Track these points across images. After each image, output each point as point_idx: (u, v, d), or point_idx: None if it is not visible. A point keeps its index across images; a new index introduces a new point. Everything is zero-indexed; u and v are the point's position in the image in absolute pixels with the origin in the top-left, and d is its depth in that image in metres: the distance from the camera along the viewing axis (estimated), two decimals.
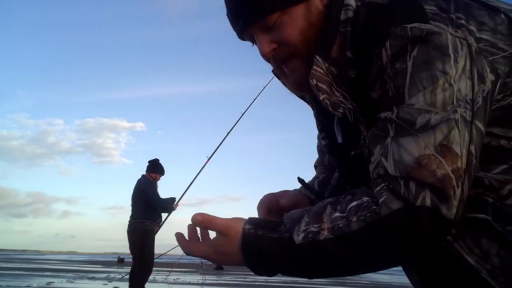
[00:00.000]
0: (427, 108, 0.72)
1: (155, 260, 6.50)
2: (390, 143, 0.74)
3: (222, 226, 0.80)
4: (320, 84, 0.85)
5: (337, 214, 0.75)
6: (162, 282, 12.17)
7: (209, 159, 7.31)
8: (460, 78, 0.73)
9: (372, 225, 0.71)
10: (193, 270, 20.84)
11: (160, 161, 6.69)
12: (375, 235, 0.72)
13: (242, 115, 7.37)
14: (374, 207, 0.72)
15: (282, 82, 1.01)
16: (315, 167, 1.19)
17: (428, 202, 0.70)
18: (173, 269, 15.35)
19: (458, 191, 0.71)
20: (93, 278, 12.99)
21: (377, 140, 0.78)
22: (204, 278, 13.69)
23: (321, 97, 0.86)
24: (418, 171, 0.70)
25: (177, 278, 13.97)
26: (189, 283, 12.45)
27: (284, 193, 1.09)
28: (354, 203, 0.75)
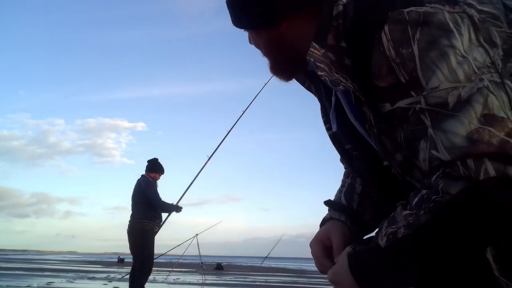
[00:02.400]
0: (452, 85, 0.71)
1: (155, 260, 6.50)
2: (433, 133, 0.72)
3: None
4: (318, 63, 0.87)
5: (407, 212, 0.76)
6: (162, 282, 12.16)
7: (209, 159, 7.32)
8: (471, 48, 0.73)
9: (438, 214, 0.71)
10: (193, 270, 20.84)
11: (159, 161, 6.68)
12: (446, 223, 0.71)
13: (243, 113, 7.37)
14: (434, 196, 0.71)
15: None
16: (342, 163, 1.20)
17: (492, 172, 0.67)
18: (173, 269, 15.36)
19: None
20: (93, 278, 12.99)
21: (416, 136, 0.75)
22: (204, 278, 13.70)
23: (319, 73, 0.88)
24: (473, 148, 0.68)
25: (177, 278, 13.95)
26: (189, 283, 12.44)
27: (327, 232, 1.05)
28: (417, 198, 0.75)
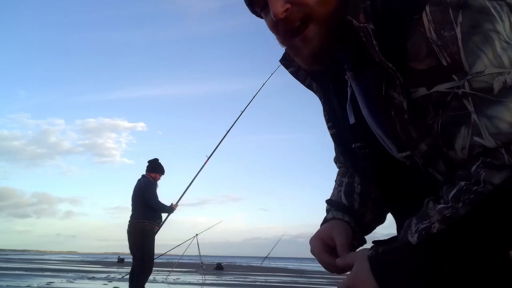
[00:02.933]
0: (498, 70, 0.69)
1: (155, 260, 6.50)
2: (477, 119, 0.69)
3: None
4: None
5: (441, 205, 0.72)
6: (162, 282, 12.17)
7: (208, 158, 7.32)
8: None
9: (480, 206, 0.68)
10: (193, 270, 20.84)
11: (159, 161, 6.68)
12: (488, 215, 0.68)
13: (241, 113, 7.39)
14: (475, 187, 0.68)
15: (290, 70, 0.99)
16: (335, 162, 1.18)
17: None
18: (173, 269, 15.36)
19: None
20: (93, 278, 12.99)
21: (457, 122, 0.72)
22: (204, 278, 13.70)
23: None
24: None
25: (177, 278, 13.96)
26: (189, 283, 12.44)
27: (329, 231, 1.02)
28: (454, 191, 0.71)
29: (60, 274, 14.95)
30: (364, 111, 0.90)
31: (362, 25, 0.78)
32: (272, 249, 27.74)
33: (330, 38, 0.82)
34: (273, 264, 38.37)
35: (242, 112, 7.39)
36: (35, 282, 10.47)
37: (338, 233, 0.99)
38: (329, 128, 1.04)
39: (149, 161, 6.68)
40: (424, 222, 0.74)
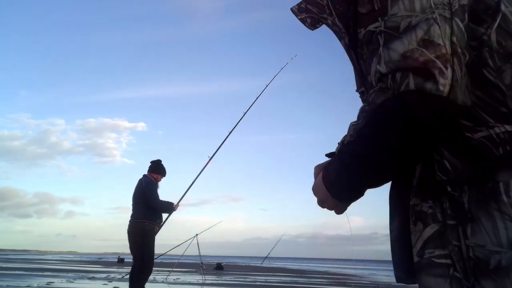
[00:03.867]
0: (408, 13, 0.81)
1: (155, 260, 6.49)
2: (382, 50, 0.82)
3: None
4: (308, 5, 1.06)
5: (354, 122, 1.03)
6: (162, 282, 12.16)
7: (210, 159, 7.31)
8: None
9: (368, 121, 0.85)
10: (193, 270, 20.83)
11: (162, 162, 6.68)
12: (374, 128, 0.83)
13: (244, 114, 7.37)
14: (367, 107, 0.89)
15: (299, 18, 1.12)
16: None
17: (411, 85, 0.76)
18: (173, 269, 15.36)
19: (448, 72, 0.76)
20: (93, 278, 12.98)
21: (372, 54, 0.85)
22: (204, 278, 13.70)
23: (305, 16, 1.08)
24: (403, 62, 0.78)
25: (177, 278, 13.94)
26: (189, 283, 12.43)
27: None
28: (359, 111, 0.96)
29: (60, 274, 14.94)
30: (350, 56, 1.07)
31: None
32: (272, 249, 27.77)
33: None
34: (273, 264, 38.35)
35: (245, 113, 7.38)
36: (35, 282, 10.47)
37: None
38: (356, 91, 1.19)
39: (151, 162, 6.68)
40: (346, 135, 1.06)
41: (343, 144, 1.07)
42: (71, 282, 11.21)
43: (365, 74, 0.96)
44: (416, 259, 0.88)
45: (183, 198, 6.92)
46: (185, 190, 7.11)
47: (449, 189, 0.84)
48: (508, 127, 0.80)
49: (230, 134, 7.35)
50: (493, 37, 0.83)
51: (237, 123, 7.39)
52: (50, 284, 10.03)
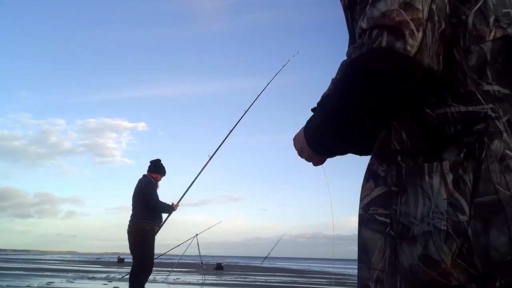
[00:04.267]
0: None
1: (155, 260, 6.50)
2: (368, 8, 0.86)
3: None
4: None
5: (335, 77, 1.05)
6: (162, 282, 12.17)
7: (210, 158, 7.30)
8: None
9: (342, 75, 0.95)
10: (193, 270, 20.84)
11: (161, 162, 6.68)
12: (347, 82, 0.90)
13: (245, 113, 7.36)
14: (345, 62, 0.95)
15: None
16: None
17: (383, 43, 0.81)
18: (173, 269, 15.37)
19: (419, 35, 0.80)
20: (93, 278, 12.99)
21: (361, 13, 0.88)
22: (204, 278, 13.70)
23: None
24: (381, 20, 0.82)
25: (177, 278, 13.96)
26: (189, 283, 12.44)
27: None
28: (340, 66, 1.00)
29: (60, 274, 14.95)
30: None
31: None
32: (272, 249, 27.78)
33: None
34: (273, 264, 38.38)
35: (246, 111, 7.36)
36: (35, 282, 10.47)
37: None
38: None
39: (151, 161, 6.68)
40: (327, 89, 1.10)
41: (322, 97, 1.11)
42: (71, 282, 11.22)
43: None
44: (360, 212, 0.96)
45: (183, 198, 6.93)
46: (185, 190, 7.12)
47: (399, 158, 0.90)
48: (462, 108, 0.84)
49: (231, 134, 7.36)
50: (471, 18, 0.86)
51: (238, 122, 7.39)
52: (50, 284, 10.04)
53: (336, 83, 0.96)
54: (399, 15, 0.81)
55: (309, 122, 1.03)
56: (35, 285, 9.62)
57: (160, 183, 6.58)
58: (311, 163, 1.13)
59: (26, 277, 12.11)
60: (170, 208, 6.51)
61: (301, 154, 1.10)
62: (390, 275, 0.90)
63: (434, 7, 0.83)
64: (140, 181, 6.49)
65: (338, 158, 1.20)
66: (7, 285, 9.25)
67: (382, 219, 0.92)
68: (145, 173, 6.59)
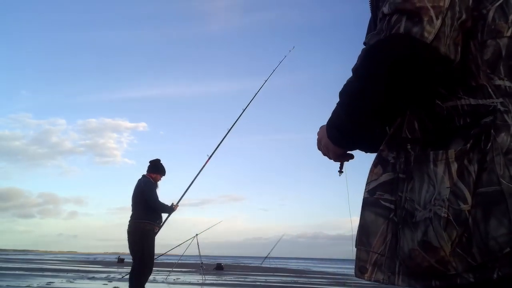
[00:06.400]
0: None
1: (155, 260, 6.49)
2: None
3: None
4: None
5: (354, 65, 0.98)
6: (162, 282, 12.17)
7: (209, 158, 7.30)
8: None
9: (361, 61, 0.93)
10: (193, 270, 20.84)
11: (161, 161, 6.67)
12: (364, 67, 0.91)
13: (243, 111, 7.35)
14: (365, 47, 0.94)
15: None
16: None
17: (401, 29, 0.82)
18: (173, 269, 15.37)
19: (438, 22, 0.81)
20: (93, 278, 12.98)
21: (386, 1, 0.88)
22: (204, 278, 13.69)
23: None
24: (402, 4, 0.82)
25: (177, 278, 13.95)
26: (189, 283, 12.43)
27: None
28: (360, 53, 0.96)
29: (60, 274, 14.94)
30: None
31: None
32: (272, 249, 27.77)
33: None
34: (273, 264, 38.37)
35: (244, 110, 7.37)
36: (35, 282, 10.47)
37: None
38: None
39: (150, 161, 6.67)
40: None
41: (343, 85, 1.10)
42: (71, 282, 11.21)
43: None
44: (365, 195, 0.97)
45: (183, 198, 6.93)
46: (184, 190, 7.11)
47: (408, 147, 0.92)
48: (472, 101, 0.85)
49: (231, 133, 7.35)
50: (491, 13, 0.87)
51: (235, 121, 7.39)
52: (50, 284, 10.03)
53: (355, 70, 0.96)
54: (420, 1, 0.81)
55: (332, 113, 1.03)
56: (35, 285, 9.62)
57: (160, 183, 6.57)
58: (331, 159, 1.12)
59: (26, 277, 12.10)
60: (169, 209, 6.50)
61: (319, 143, 1.11)
62: (389, 259, 0.91)
63: None
64: (139, 181, 6.48)
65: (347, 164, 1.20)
66: (7, 285, 9.24)
67: (387, 204, 0.93)
68: (145, 173, 6.59)
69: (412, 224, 0.86)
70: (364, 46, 0.97)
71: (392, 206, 0.92)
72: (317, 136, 1.13)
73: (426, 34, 0.80)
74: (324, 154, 1.13)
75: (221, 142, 7.36)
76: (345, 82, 1.07)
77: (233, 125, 7.39)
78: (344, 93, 0.99)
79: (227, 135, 7.36)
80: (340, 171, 1.17)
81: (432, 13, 0.80)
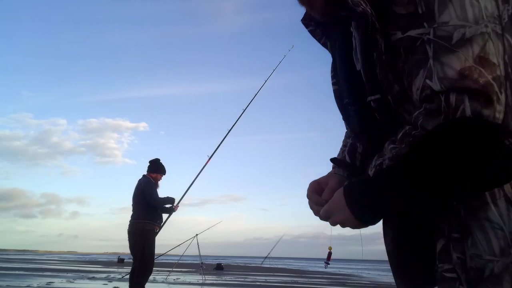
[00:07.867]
0: (461, 23, 0.75)
1: (155, 260, 6.49)
2: (432, 63, 0.76)
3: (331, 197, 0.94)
4: None
5: (392, 145, 0.84)
6: (162, 282, 12.16)
7: (210, 158, 7.30)
8: None
9: (414, 148, 0.77)
10: (193, 270, 20.83)
11: (161, 161, 6.67)
12: (421, 157, 0.76)
13: (243, 112, 7.37)
14: (414, 131, 0.78)
15: (309, 29, 1.08)
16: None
17: (468, 111, 0.71)
18: (173, 269, 15.36)
19: (503, 97, 0.72)
20: (93, 278, 12.99)
21: (418, 65, 0.78)
22: (204, 278, 13.69)
23: None
24: (461, 82, 0.72)
25: (177, 278, 13.95)
26: (189, 283, 12.43)
27: (326, 178, 1.11)
28: (401, 133, 0.82)
29: (60, 274, 14.95)
30: (355, 56, 0.94)
31: None
32: (272, 249, 27.76)
33: None
34: (273, 264, 38.35)
35: (244, 110, 7.38)
36: (35, 282, 10.47)
37: (333, 179, 1.09)
38: (332, 84, 1.10)
39: (150, 161, 6.66)
40: (380, 158, 0.87)
41: (380, 167, 0.88)
42: (71, 282, 11.21)
43: (390, 81, 0.86)
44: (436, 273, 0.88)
45: (183, 198, 6.93)
46: (185, 190, 7.11)
47: (455, 203, 0.82)
48: None
49: (231, 133, 7.36)
50: None
51: (236, 122, 7.40)
52: (50, 284, 10.03)
53: (408, 155, 0.79)
54: (481, 75, 0.72)
55: (360, 194, 0.86)
56: (35, 285, 9.62)
57: (160, 182, 6.57)
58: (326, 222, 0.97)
59: (26, 277, 12.11)
60: (171, 201, 6.48)
61: (343, 225, 0.91)
62: None
63: (506, 58, 0.75)
64: (140, 181, 6.48)
65: None
66: (7, 285, 9.24)
67: (449, 275, 0.83)
68: (145, 173, 6.58)
69: (490, 278, 0.77)
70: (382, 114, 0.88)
71: (455, 275, 0.82)
72: (333, 218, 0.92)
73: (497, 115, 0.71)
74: (322, 219, 0.97)
75: (221, 142, 7.37)
76: (379, 163, 0.88)
77: (233, 125, 7.40)
78: (395, 181, 0.81)
79: (228, 135, 7.37)
80: (327, 263, 1.10)
81: (496, 88, 0.71)
